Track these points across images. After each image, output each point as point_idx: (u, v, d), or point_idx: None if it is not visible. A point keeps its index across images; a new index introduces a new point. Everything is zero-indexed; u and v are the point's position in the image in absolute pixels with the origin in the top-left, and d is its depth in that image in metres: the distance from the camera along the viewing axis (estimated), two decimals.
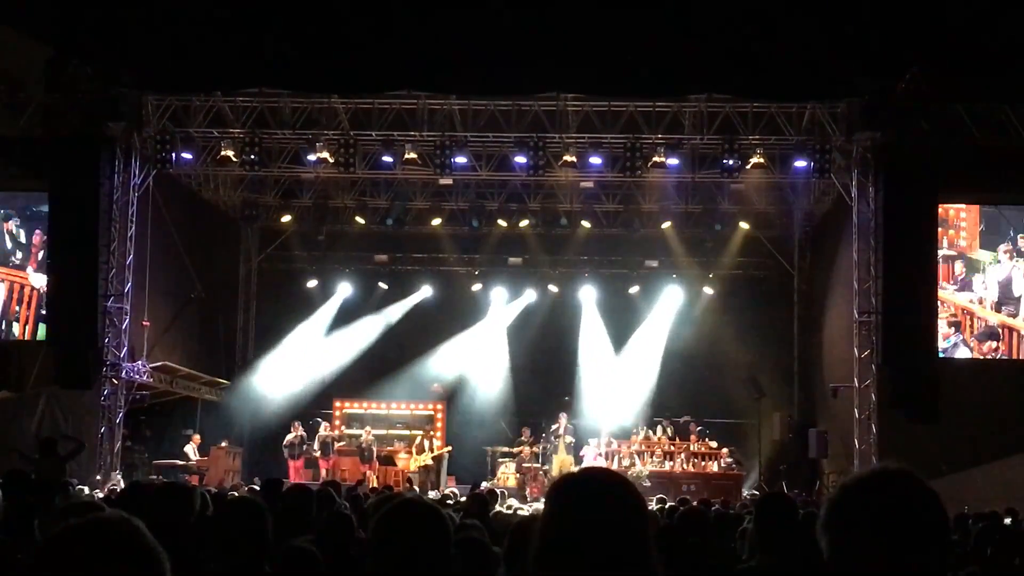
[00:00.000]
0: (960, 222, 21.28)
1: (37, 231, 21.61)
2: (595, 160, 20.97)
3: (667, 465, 22.39)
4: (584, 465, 20.71)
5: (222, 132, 20.75)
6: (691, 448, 22.75)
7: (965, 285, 21.02)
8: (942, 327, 20.24)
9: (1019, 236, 21.02)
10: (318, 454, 22.86)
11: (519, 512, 11.04)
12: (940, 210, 20.10)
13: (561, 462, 21.57)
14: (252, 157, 20.43)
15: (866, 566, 2.08)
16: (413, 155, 20.75)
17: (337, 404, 24.77)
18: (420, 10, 18.88)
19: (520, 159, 20.66)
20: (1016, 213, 21.17)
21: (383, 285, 26.54)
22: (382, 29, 19.13)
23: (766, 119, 20.16)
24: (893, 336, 18.78)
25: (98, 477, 18.95)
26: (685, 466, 22.40)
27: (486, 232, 25.05)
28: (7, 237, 21.92)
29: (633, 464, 21.93)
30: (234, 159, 20.63)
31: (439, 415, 24.64)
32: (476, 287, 26.41)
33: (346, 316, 26.21)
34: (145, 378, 20.58)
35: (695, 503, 10.69)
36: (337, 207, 25.06)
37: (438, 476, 22.33)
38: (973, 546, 6.84)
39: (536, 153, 20.10)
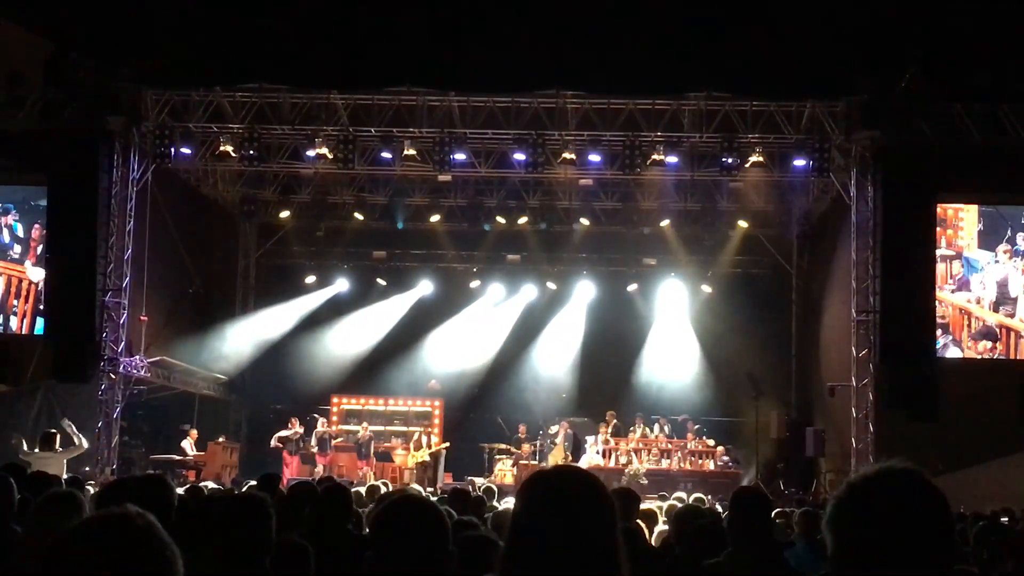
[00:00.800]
0: (959, 222, 21.28)
1: (36, 225, 21.57)
2: (594, 157, 20.97)
3: (664, 463, 22.37)
4: (581, 463, 20.75)
5: (221, 127, 20.73)
6: (688, 446, 22.75)
7: (963, 285, 21.01)
8: None
9: (1018, 236, 21.01)
10: (315, 450, 22.84)
11: None
12: (939, 210, 20.11)
13: (557, 460, 21.55)
14: (251, 152, 20.44)
15: (872, 564, 2.09)
16: (412, 151, 20.76)
17: (335, 400, 24.73)
18: (420, 7, 18.90)
19: (519, 156, 20.65)
20: (1015, 213, 21.16)
21: (381, 281, 26.54)
22: (382, 25, 19.17)
23: (765, 118, 20.15)
24: (891, 335, 18.80)
25: (92, 468, 18.90)
26: (682, 464, 22.38)
27: (485, 229, 25.05)
28: (5, 231, 21.88)
29: (630, 462, 21.91)
30: (233, 154, 20.62)
31: (437, 411, 24.63)
32: (474, 284, 26.41)
33: (344, 312, 26.20)
34: (142, 373, 20.58)
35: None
36: (336, 203, 25.01)
37: (435, 473, 22.32)
38: (971, 546, 6.85)
39: (535, 150, 20.09)
